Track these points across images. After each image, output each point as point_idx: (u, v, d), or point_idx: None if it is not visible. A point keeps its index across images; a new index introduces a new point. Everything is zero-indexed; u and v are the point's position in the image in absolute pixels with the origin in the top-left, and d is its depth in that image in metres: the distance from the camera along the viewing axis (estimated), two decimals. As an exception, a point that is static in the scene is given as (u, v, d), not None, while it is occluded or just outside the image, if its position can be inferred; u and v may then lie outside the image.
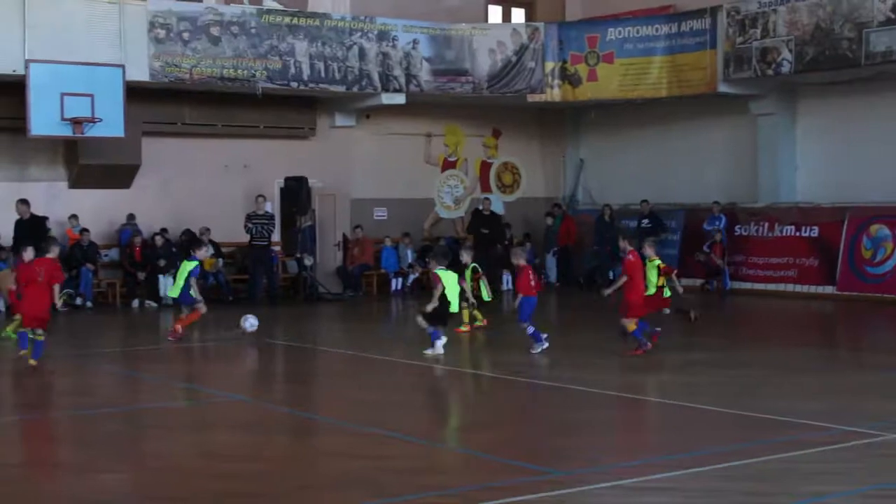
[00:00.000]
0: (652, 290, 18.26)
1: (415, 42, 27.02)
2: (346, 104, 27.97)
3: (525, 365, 15.76)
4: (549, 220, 30.21)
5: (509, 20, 31.50)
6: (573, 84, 28.36)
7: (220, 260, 25.66)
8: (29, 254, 16.40)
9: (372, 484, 9.23)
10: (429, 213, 30.70)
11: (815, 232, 25.96)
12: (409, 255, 29.05)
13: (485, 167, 31.70)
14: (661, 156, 30.18)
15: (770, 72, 25.48)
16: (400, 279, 28.43)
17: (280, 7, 25.91)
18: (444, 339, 16.49)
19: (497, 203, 30.77)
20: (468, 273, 19.09)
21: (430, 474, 9.50)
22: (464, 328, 19.42)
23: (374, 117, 29.21)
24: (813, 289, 25.78)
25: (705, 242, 27.23)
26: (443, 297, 16.49)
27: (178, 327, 18.77)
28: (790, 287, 26.18)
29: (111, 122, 22.90)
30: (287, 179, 26.96)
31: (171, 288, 19.81)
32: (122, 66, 23.24)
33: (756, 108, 27.50)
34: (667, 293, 18.12)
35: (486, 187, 31.50)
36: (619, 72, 27.97)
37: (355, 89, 26.47)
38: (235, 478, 9.39)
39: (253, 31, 25.04)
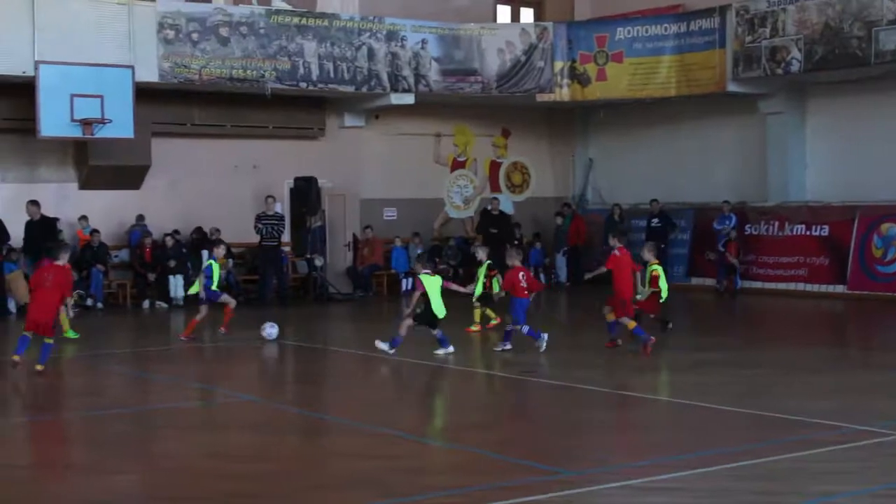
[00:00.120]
0: (646, 295, 18.39)
1: (424, 42, 27.02)
2: (356, 104, 27.98)
3: (535, 364, 15.75)
4: (559, 220, 30.20)
5: (518, 20, 31.50)
6: (582, 83, 28.34)
7: (231, 260, 25.68)
8: (64, 258, 16.56)
9: (382, 484, 9.23)
10: (438, 213, 30.70)
11: (826, 231, 25.90)
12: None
13: (494, 167, 31.69)
14: (670, 155, 30.15)
15: (779, 71, 25.45)
16: (410, 279, 28.39)
17: (289, 7, 25.92)
18: (393, 352, 16.47)
19: (506, 203, 30.76)
20: (483, 270, 19.03)
21: (439, 474, 9.50)
22: (474, 327, 19.43)
23: (384, 117, 29.22)
24: (823, 288, 25.73)
25: (719, 241, 27.13)
26: (427, 303, 16.49)
27: (226, 322, 19.00)
28: (801, 286, 26.14)
29: (121, 123, 22.93)
30: (297, 180, 26.99)
31: (195, 286, 19.67)
32: (132, 67, 23.27)
33: (765, 108, 27.46)
34: (663, 298, 18.35)
35: (495, 187, 31.49)
36: (629, 71, 27.95)
37: (364, 89, 26.48)
38: (245, 478, 9.40)
39: (262, 31, 25.05)
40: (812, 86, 26.95)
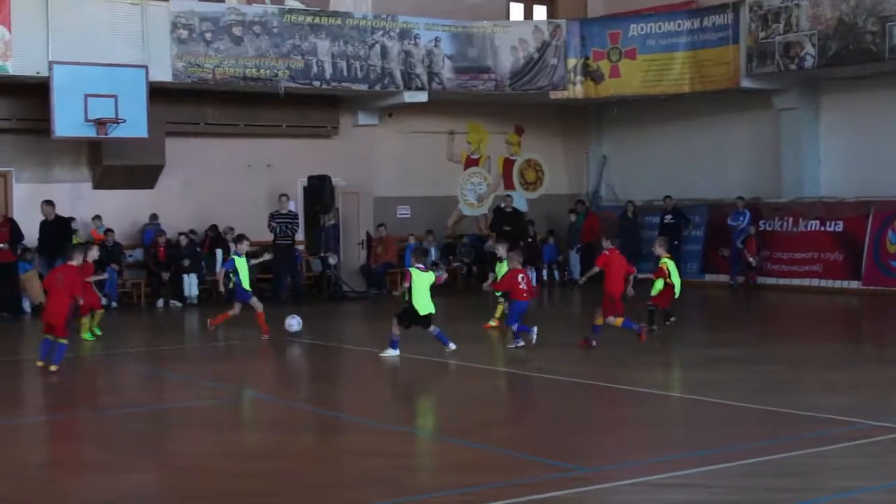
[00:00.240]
0: (659, 288, 18.42)
1: (437, 40, 27.01)
2: (369, 103, 27.98)
3: (548, 361, 15.72)
4: (573, 217, 30.16)
5: (531, 17, 31.48)
6: (596, 80, 28.31)
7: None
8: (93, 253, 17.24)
9: (395, 482, 9.23)
10: (452, 210, 30.71)
11: (840, 226, 25.84)
12: (433, 253, 29.07)
13: (508, 164, 31.69)
14: (684, 151, 30.11)
15: (793, 66, 25.38)
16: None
17: (302, 6, 25.93)
18: (397, 352, 16.37)
19: (520, 200, 30.76)
20: (502, 266, 18.88)
21: (454, 472, 9.49)
22: (493, 323, 19.37)
23: (397, 115, 29.23)
24: (838, 284, 25.68)
25: (738, 238, 27.02)
26: (409, 300, 16.32)
27: (265, 328, 18.87)
28: (815, 282, 26.10)
29: (134, 123, 22.95)
30: (310, 178, 26.99)
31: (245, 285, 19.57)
32: (145, 67, 23.30)
33: (779, 103, 27.40)
34: (676, 293, 18.41)
35: (509, 184, 31.50)
36: (642, 68, 27.91)
37: (378, 88, 26.48)
38: (259, 477, 9.40)
39: (275, 30, 25.07)
40: (826, 81, 26.88)
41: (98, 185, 25.58)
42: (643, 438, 10.83)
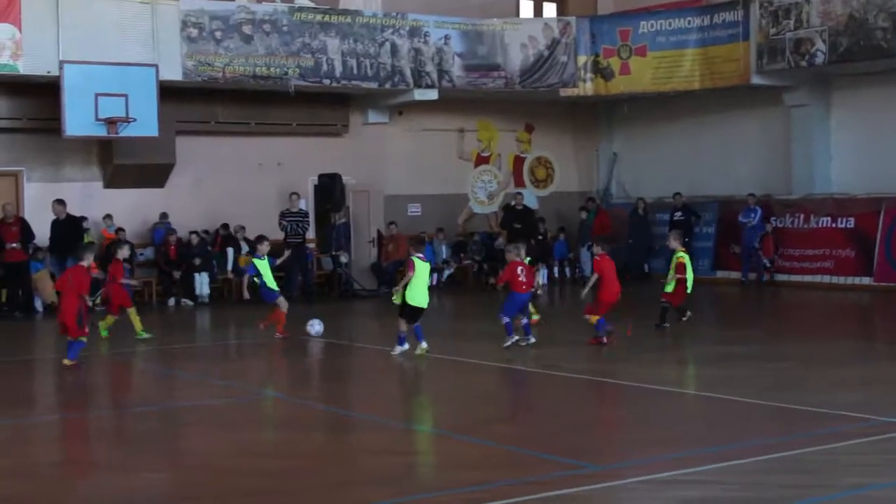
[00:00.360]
0: (673, 285, 18.40)
1: (446, 38, 27.00)
2: (379, 101, 27.99)
3: (559, 358, 15.71)
4: (583, 215, 30.13)
5: (541, 14, 31.48)
6: (606, 78, 28.29)
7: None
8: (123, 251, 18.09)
9: (406, 480, 9.23)
10: (463, 208, 30.71)
11: (851, 223, 25.79)
12: (444, 251, 29.10)
13: (518, 162, 31.68)
14: (694, 148, 30.08)
15: (804, 63, 25.34)
16: (435, 275, 28.40)
17: (312, 5, 25.95)
18: (406, 346, 16.26)
19: (530, 198, 30.75)
20: None
21: (466, 469, 9.48)
22: (536, 317, 18.88)
23: (407, 113, 29.22)
24: (849, 280, 25.64)
25: (750, 235, 26.93)
26: (404, 295, 16.11)
27: (279, 328, 18.78)
28: (826, 278, 26.05)
29: (145, 122, 22.99)
30: (321, 177, 27.00)
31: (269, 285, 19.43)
32: (156, 66, 23.33)
33: (790, 100, 27.36)
34: (689, 288, 18.36)
35: (519, 182, 31.48)
36: (652, 65, 27.89)
37: (388, 86, 26.49)
38: (270, 475, 9.40)
39: (285, 28, 25.08)
40: (837, 78, 26.83)
41: (109, 184, 25.62)
42: (654, 435, 10.81)
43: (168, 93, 23.62)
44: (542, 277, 27.28)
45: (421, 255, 16.45)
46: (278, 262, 20.00)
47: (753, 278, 26.96)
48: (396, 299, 16.28)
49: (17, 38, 22.31)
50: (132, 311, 18.93)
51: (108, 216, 25.14)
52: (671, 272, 18.60)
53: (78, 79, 22.48)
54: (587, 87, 28.45)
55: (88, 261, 16.39)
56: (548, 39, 28.00)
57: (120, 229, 24.91)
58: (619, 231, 29.53)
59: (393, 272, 27.79)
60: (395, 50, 26.35)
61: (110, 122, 22.74)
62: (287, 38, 25.09)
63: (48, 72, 22.60)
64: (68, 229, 23.61)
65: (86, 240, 23.18)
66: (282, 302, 18.78)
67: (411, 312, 16.17)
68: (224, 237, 26.17)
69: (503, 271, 17.64)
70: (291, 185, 26.78)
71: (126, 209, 25.56)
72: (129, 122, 22.84)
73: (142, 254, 25.87)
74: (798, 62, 25.40)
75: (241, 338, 19.26)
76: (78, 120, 22.53)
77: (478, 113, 30.53)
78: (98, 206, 25.24)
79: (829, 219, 26.23)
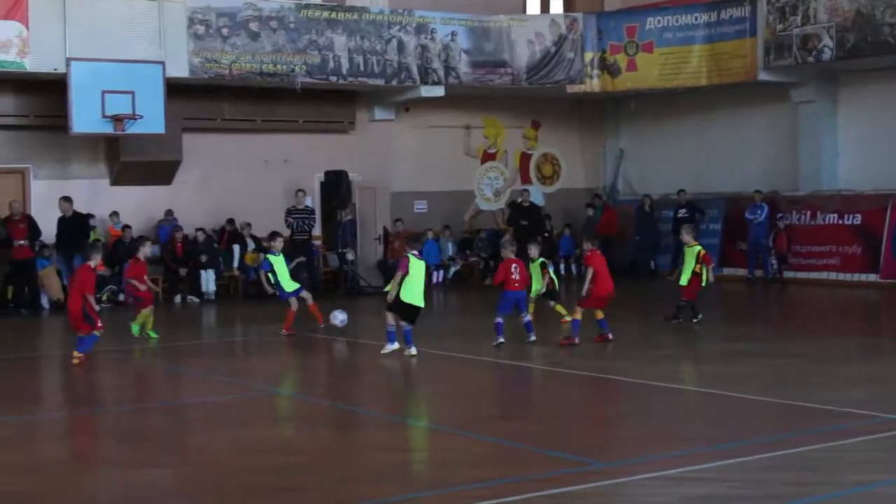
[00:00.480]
0: (687, 277, 18.39)
1: (453, 34, 27.01)
2: (385, 97, 28.00)
3: (565, 355, 15.70)
4: (590, 211, 30.14)
5: (548, 11, 31.44)
6: (612, 74, 28.29)
7: (262, 254, 25.70)
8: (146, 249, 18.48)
9: (412, 477, 9.24)
10: (469, 205, 30.70)
11: (858, 219, 25.75)
12: (450, 248, 29.10)
13: (525, 158, 31.67)
14: (701, 145, 30.06)
15: (811, 59, 25.31)
16: (441, 272, 28.46)
17: (318, 1, 25.96)
18: (396, 345, 16.10)
19: (537, 194, 30.74)
20: (536, 266, 18.58)
21: (471, 466, 9.48)
22: (568, 318, 18.45)
23: (414, 110, 29.23)
24: (856, 277, 25.59)
25: (757, 232, 26.84)
26: (398, 293, 15.90)
27: (286, 325, 18.75)
28: (833, 275, 26.00)
29: (152, 119, 23.00)
30: (327, 173, 27.00)
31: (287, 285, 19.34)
32: (162, 63, 23.35)
33: (797, 96, 27.33)
34: (704, 282, 18.33)
35: (525, 179, 31.47)
36: (659, 61, 27.88)
37: (394, 82, 26.50)
38: (276, 472, 9.40)
39: (292, 25, 25.09)
40: (844, 74, 26.79)
41: (115, 181, 25.65)
42: (659, 432, 10.80)
43: (175, 90, 23.65)
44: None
45: (416, 252, 16.22)
46: (290, 266, 19.97)
47: (760, 275, 26.93)
48: (389, 291, 16.16)
49: (24, 36, 22.34)
50: (148, 310, 18.85)
51: (115, 213, 25.17)
52: (686, 266, 18.54)
53: (85, 76, 22.50)
54: (594, 84, 28.46)
55: (96, 261, 16.43)
56: (554, 36, 28.01)
57: (126, 226, 24.93)
58: (626, 228, 29.55)
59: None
60: (401, 47, 26.36)
61: (117, 120, 22.76)
62: (294, 34, 25.11)
63: (55, 69, 22.62)
64: (75, 226, 23.65)
65: (92, 237, 23.23)
66: (293, 302, 18.77)
67: (407, 311, 15.95)
68: (230, 233, 26.17)
69: (497, 269, 17.42)
70: (298, 181, 26.79)
71: (133, 206, 25.59)
72: (135, 119, 22.85)
73: (148, 251, 25.87)
74: (805, 58, 25.37)
75: (246, 335, 19.26)
76: (85, 117, 22.56)
77: (484, 109, 30.53)
78: (105, 204, 25.27)
79: (835, 215, 26.19)
